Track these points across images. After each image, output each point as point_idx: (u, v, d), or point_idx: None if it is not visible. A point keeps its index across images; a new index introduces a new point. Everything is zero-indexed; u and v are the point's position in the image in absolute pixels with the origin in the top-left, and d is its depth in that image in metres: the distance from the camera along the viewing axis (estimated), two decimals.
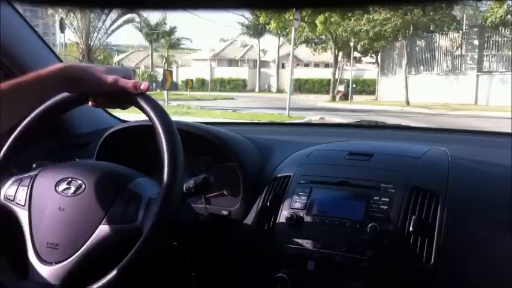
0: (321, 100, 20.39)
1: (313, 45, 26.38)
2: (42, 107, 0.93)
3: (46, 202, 0.90)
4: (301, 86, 30.75)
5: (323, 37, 23.61)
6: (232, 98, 21.26)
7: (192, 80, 22.48)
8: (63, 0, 0.47)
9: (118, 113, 1.29)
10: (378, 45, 19.75)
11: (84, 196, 0.88)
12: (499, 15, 15.45)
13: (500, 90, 15.19)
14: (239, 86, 32.03)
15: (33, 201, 0.91)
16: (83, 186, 0.89)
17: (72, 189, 0.90)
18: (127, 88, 0.87)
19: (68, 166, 0.98)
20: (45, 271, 0.85)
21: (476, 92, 16.49)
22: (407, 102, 16.07)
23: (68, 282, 0.83)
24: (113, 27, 22.24)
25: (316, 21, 18.68)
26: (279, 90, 29.18)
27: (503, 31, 16.46)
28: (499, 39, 16.64)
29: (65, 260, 0.84)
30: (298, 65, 33.84)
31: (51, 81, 0.83)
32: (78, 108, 0.96)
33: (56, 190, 0.90)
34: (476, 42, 17.29)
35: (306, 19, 19.39)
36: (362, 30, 17.71)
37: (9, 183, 0.95)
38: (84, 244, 0.84)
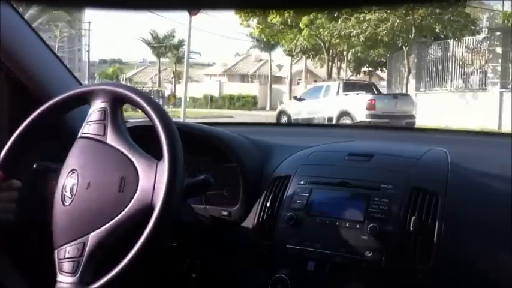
0: None
1: (311, 56, 22.51)
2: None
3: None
4: None
5: (321, 45, 18.93)
6: (231, 117, 17.99)
7: (174, 96, 20.35)
8: (63, 0, 0.47)
9: None
10: (375, 53, 16.57)
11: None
12: None
13: None
14: (249, 103, 28.22)
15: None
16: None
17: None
18: None
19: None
20: None
21: (500, 114, 12.00)
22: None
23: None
24: (33, 25, 20.93)
25: (301, 24, 15.27)
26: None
27: None
28: None
29: None
30: (315, 81, 31.01)
31: None
32: (78, 108, 0.96)
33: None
34: (499, 50, 12.90)
35: (289, 22, 15.99)
36: (352, 34, 13.92)
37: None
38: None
